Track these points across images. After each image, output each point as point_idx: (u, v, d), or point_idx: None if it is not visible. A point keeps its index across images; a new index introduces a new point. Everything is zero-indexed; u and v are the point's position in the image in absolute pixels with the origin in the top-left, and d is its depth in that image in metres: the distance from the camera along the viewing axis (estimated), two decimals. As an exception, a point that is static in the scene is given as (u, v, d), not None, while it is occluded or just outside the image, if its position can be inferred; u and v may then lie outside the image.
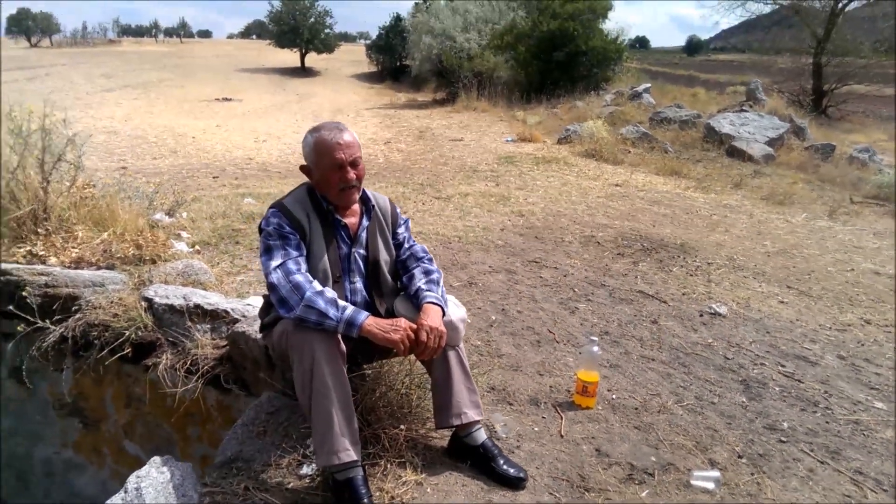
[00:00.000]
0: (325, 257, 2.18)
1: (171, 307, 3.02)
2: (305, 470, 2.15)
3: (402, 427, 2.28)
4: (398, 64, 39.05)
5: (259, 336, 2.57)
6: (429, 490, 2.10)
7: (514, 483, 2.15)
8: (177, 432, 2.99)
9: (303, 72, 39.47)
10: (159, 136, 11.99)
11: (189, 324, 2.98)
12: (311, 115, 19.10)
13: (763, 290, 4.63)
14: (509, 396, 2.80)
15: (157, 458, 2.04)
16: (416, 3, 38.78)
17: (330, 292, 2.01)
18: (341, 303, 1.99)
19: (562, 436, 2.53)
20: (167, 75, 30.65)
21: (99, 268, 3.44)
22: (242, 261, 4.09)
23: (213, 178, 7.75)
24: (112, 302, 3.10)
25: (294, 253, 2.09)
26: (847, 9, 21.20)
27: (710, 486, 2.29)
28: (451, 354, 2.20)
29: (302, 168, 2.25)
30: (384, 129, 15.42)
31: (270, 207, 2.20)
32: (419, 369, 2.52)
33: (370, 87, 34.30)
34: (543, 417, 2.66)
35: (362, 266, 2.29)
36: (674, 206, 7.17)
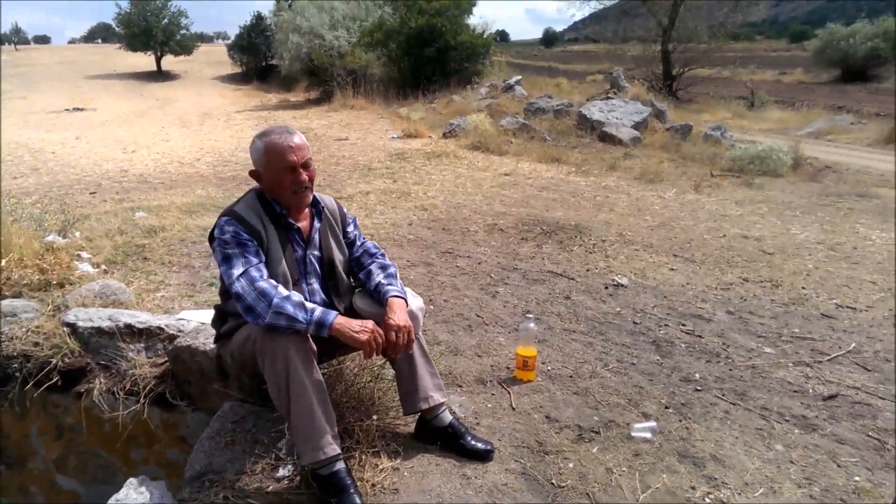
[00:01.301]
0: (283, 261, 2.21)
1: (99, 330, 2.88)
2: (282, 472, 2.18)
3: (374, 418, 2.36)
4: (264, 64, 37.90)
5: (211, 347, 2.54)
6: (406, 473, 2.21)
7: (484, 455, 2.30)
8: (119, 458, 2.86)
9: (160, 75, 37.24)
10: (13, 153, 10.92)
11: (121, 345, 2.86)
12: (177, 121, 18.15)
13: (654, 260, 5.10)
14: (457, 379, 2.95)
15: (133, 480, 2.00)
16: (278, 2, 37.81)
17: (296, 296, 2.05)
18: (308, 305, 2.04)
19: (513, 408, 2.71)
20: (5, 86, 27.76)
21: (4, 297, 3.19)
22: (158, 276, 3.93)
23: (91, 193, 7.24)
24: (29, 331, 2.90)
25: (254, 260, 2.11)
26: (686, -1, 23.18)
27: (648, 435, 2.57)
28: (413, 343, 2.31)
29: (251, 173, 2.27)
30: (262, 132, 14.97)
31: (222, 216, 2.19)
32: (374, 363, 2.61)
33: (236, 88, 33.01)
34: (493, 394, 2.83)
35: (318, 267, 2.34)
36: (560, 190, 7.64)
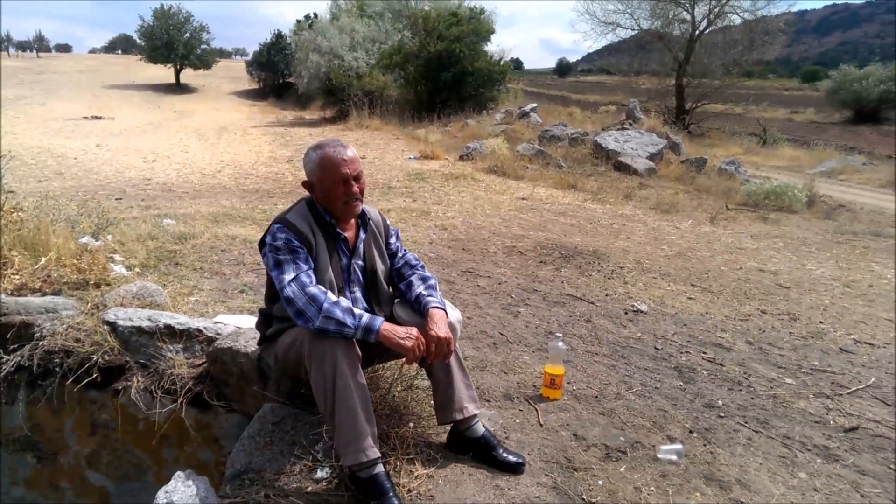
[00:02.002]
0: (330, 269, 2.29)
1: (139, 329, 2.95)
2: (320, 474, 2.23)
3: (410, 425, 2.41)
4: (281, 81, 38.45)
5: (253, 349, 2.61)
6: (440, 481, 2.26)
7: (515, 468, 2.35)
8: (151, 456, 2.91)
9: (178, 88, 37.77)
10: (36, 157, 11.14)
11: (159, 344, 2.93)
12: (194, 134, 18.44)
13: (672, 288, 5.16)
14: (485, 394, 3.00)
15: (180, 473, 2.05)
16: (299, 21, 38.48)
17: (345, 301, 2.13)
18: (356, 310, 2.12)
19: (541, 425, 2.76)
20: (25, 92, 28.27)
21: (44, 294, 3.27)
22: (191, 281, 4.01)
23: (117, 199, 7.38)
24: (70, 328, 2.98)
25: (304, 266, 2.19)
26: (703, 35, 23.51)
27: (675, 457, 2.61)
28: (452, 354, 2.38)
29: (304, 184, 2.36)
30: (280, 147, 15.20)
31: (274, 223, 2.28)
32: (408, 372, 2.68)
33: (253, 104, 33.45)
34: (520, 410, 2.88)
35: (361, 276, 2.42)
36: (577, 216, 7.73)
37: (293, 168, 10.81)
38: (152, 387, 2.83)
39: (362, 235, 2.43)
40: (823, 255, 6.84)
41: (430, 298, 2.35)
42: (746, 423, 2.99)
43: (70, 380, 2.84)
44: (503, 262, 5.47)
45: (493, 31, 23.54)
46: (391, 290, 2.53)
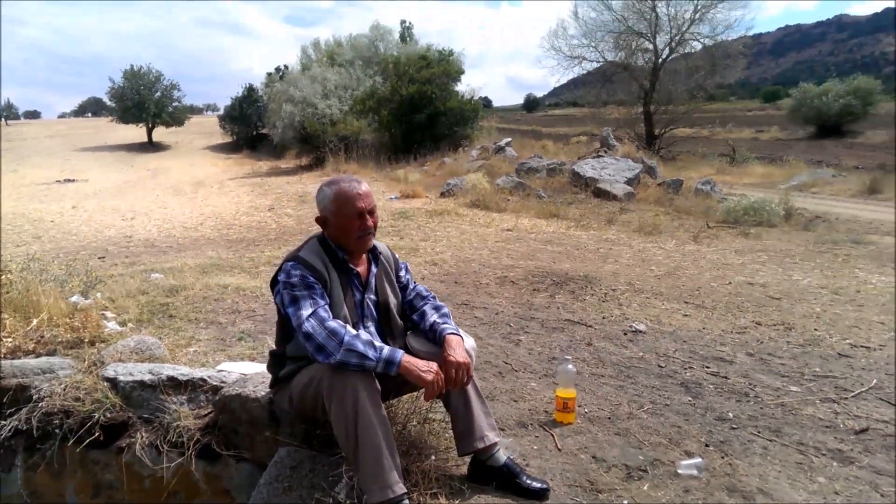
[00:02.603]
0: (344, 305, 2.28)
1: (141, 383, 2.89)
2: (342, 515, 2.18)
3: (431, 458, 2.37)
4: (254, 133, 38.76)
5: (263, 394, 2.57)
6: (464, 514, 2.21)
7: (540, 495, 2.31)
8: (159, 514, 2.82)
9: (151, 146, 37.87)
10: (12, 223, 11.00)
11: (163, 397, 2.86)
12: (170, 190, 18.40)
13: (666, 307, 5.19)
14: (499, 423, 2.95)
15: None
16: (269, 74, 39.01)
17: (364, 335, 2.12)
18: (377, 343, 2.10)
19: (559, 449, 2.73)
20: (-6, 160, 28.02)
21: (39, 355, 3.19)
22: (188, 332, 3.95)
23: (100, 258, 7.29)
24: (69, 387, 2.90)
25: (321, 302, 2.17)
26: (666, 63, 24.25)
27: (695, 472, 2.59)
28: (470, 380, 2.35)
29: (318, 219, 2.35)
30: (259, 196, 15.20)
31: (287, 260, 2.27)
32: (423, 406, 2.64)
33: (227, 157, 33.58)
34: (536, 436, 2.85)
35: (374, 311, 2.41)
36: (564, 243, 7.79)
37: (275, 216, 10.81)
38: (157, 441, 2.76)
39: (374, 270, 2.44)
40: (808, 265, 6.95)
41: (445, 326, 2.34)
42: (759, 432, 2.98)
43: (71, 441, 2.75)
44: (497, 292, 5.48)
45: (462, 72, 24.05)
46: (403, 323, 2.52)
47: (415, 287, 2.56)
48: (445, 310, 2.46)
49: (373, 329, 2.38)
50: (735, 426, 3.05)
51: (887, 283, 6.11)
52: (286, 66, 36.89)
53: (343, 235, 2.30)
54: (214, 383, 2.91)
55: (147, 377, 2.91)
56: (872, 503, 2.40)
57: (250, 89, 38.95)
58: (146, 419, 2.84)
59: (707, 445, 2.83)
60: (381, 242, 2.57)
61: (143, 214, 12.61)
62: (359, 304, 2.35)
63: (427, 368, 2.11)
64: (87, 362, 3.15)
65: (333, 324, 2.09)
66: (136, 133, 39.56)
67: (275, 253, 6.94)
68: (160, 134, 40.18)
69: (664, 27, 24.59)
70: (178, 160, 30.99)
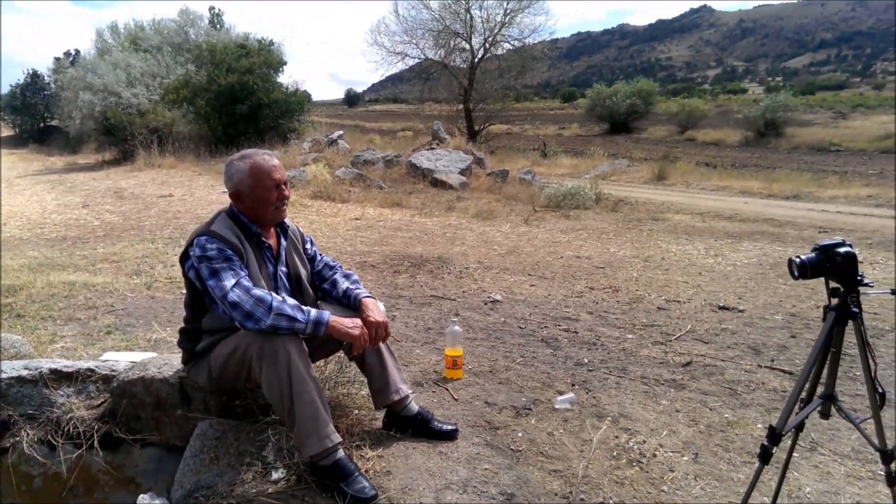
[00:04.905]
0: (261, 277, 2.37)
1: (19, 379, 2.70)
2: (276, 475, 2.29)
3: (355, 412, 2.56)
4: (42, 125, 34.52)
5: (170, 374, 2.57)
6: (391, 458, 2.44)
7: (451, 435, 2.61)
8: (59, 511, 2.67)
9: None
10: None
11: (46, 391, 2.72)
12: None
13: (514, 279, 5.76)
14: (397, 384, 3.22)
15: (143, 496, 2.00)
16: (58, 59, 34.88)
17: (290, 299, 2.24)
18: (304, 307, 2.24)
19: (456, 400, 3.06)
20: None
21: None
22: (47, 330, 3.66)
23: None
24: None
25: (242, 272, 2.24)
26: (481, 63, 25.74)
27: (569, 405, 3.06)
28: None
29: (232, 195, 2.38)
30: (64, 194, 13.68)
31: (199, 235, 2.28)
32: (333, 369, 2.82)
33: (10, 152, 29.50)
34: (433, 392, 3.15)
35: (286, 282, 2.52)
36: (412, 230, 8.17)
37: (95, 214, 9.89)
38: (49, 437, 2.63)
39: (283, 243, 2.54)
40: (621, 240, 8.01)
41: (358, 291, 2.53)
42: (611, 371, 3.55)
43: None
44: (360, 276, 5.57)
45: (284, 63, 23.42)
46: (313, 293, 2.66)
47: (322, 258, 2.70)
48: (355, 277, 2.65)
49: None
50: (591, 369, 3.59)
51: (683, 251, 7.29)
52: (78, 51, 33.27)
53: (261, 207, 2.36)
54: (104, 372, 2.81)
55: (24, 372, 2.73)
56: (704, 415, 3.03)
57: (34, 76, 34.62)
58: (30, 416, 2.68)
59: (573, 385, 3.33)
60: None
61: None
62: (272, 276, 2.44)
63: (353, 325, 2.29)
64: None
65: (259, 291, 2.18)
66: None
67: (111, 250, 6.48)
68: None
69: (478, 29, 26.15)
70: (-53, 156, 26.64)
